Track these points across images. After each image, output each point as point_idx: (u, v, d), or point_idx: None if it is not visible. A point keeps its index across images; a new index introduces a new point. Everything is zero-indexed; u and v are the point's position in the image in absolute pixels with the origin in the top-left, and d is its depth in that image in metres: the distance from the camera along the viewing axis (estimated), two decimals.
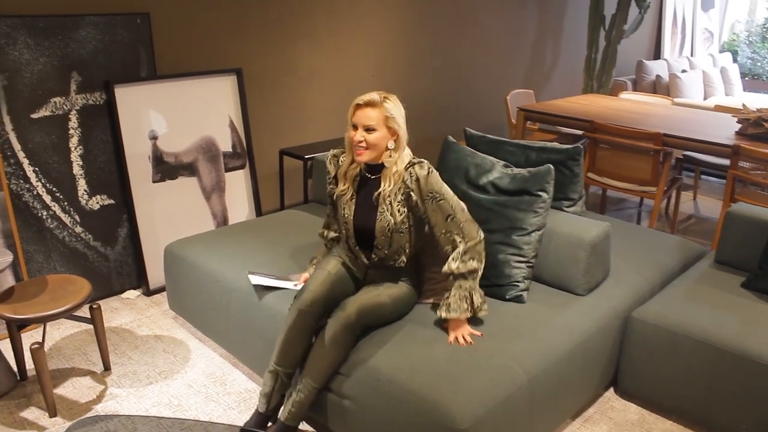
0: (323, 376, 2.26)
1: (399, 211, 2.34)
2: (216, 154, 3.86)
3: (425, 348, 2.25)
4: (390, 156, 2.34)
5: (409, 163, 2.34)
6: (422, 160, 2.36)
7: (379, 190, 2.35)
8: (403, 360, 2.19)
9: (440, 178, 2.36)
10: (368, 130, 2.29)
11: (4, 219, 3.09)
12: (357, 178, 2.44)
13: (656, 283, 2.90)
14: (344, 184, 2.44)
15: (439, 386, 2.07)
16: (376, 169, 2.39)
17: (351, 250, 2.47)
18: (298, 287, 2.63)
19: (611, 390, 2.83)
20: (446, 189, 2.36)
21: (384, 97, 2.31)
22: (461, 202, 2.41)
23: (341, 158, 2.49)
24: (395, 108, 2.31)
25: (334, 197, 2.51)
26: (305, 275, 2.66)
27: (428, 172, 2.32)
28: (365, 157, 2.33)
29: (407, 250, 2.40)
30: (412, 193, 2.32)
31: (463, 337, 2.28)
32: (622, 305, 2.70)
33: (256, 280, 2.67)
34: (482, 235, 2.37)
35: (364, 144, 2.30)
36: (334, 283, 2.39)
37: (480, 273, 2.36)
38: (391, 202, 2.34)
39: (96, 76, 3.34)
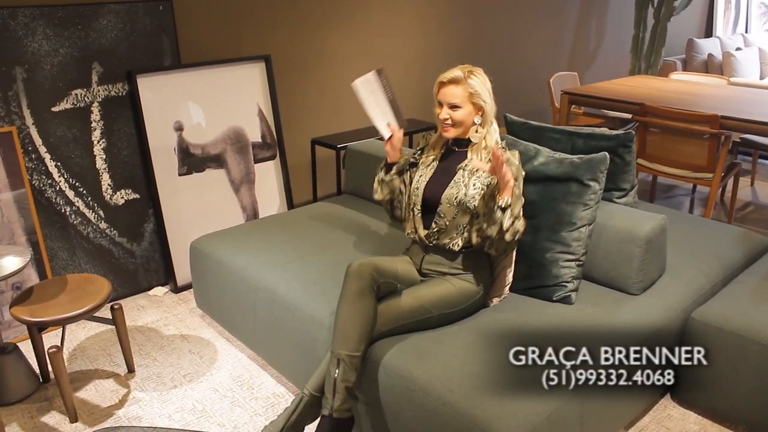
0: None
1: (474, 185, 2.24)
2: (245, 145, 3.72)
3: (465, 356, 2.06)
4: (477, 131, 2.30)
5: (501, 146, 2.29)
6: (513, 149, 2.37)
7: (465, 161, 2.30)
8: (440, 369, 2.00)
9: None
10: (453, 107, 2.26)
11: (27, 215, 2.99)
12: (443, 149, 2.41)
13: (718, 280, 2.65)
14: (430, 153, 2.42)
15: (479, 399, 1.88)
16: (462, 143, 2.35)
17: (414, 219, 2.36)
18: (386, 134, 2.41)
19: (668, 397, 2.59)
20: (521, 182, 2.26)
21: (469, 72, 2.26)
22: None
23: (432, 134, 2.49)
24: (480, 83, 2.26)
25: (417, 164, 2.43)
26: (398, 133, 2.41)
27: (519, 162, 2.30)
28: (452, 133, 2.31)
29: (465, 233, 2.25)
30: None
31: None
32: (681, 305, 2.46)
33: (361, 86, 2.39)
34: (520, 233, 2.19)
35: (449, 121, 2.28)
36: (394, 262, 2.30)
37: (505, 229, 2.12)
38: (471, 174, 2.27)
39: (118, 66, 3.21)
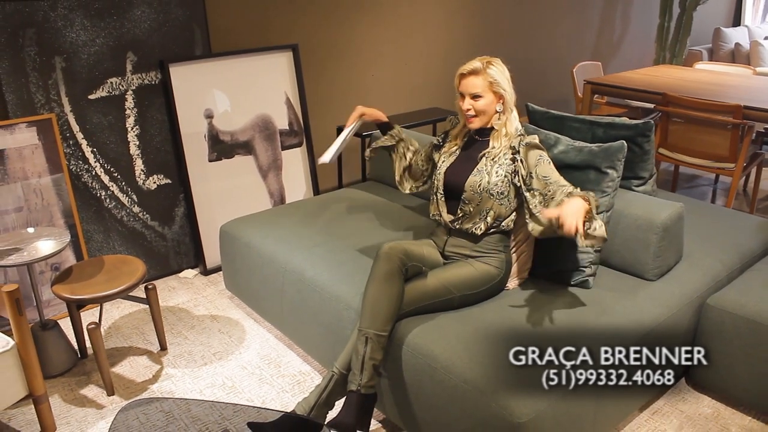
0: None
1: (497, 173, 2.33)
2: (272, 132, 3.82)
3: (485, 336, 2.14)
4: (498, 119, 2.38)
5: (520, 132, 2.39)
6: (534, 134, 2.44)
7: (487, 149, 2.38)
8: (461, 348, 2.08)
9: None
10: (475, 97, 2.34)
11: (64, 199, 3.13)
12: (465, 138, 2.50)
13: (734, 268, 2.69)
14: (453, 142, 2.52)
15: (498, 377, 1.96)
16: (485, 132, 2.43)
17: (437, 202, 2.46)
18: (353, 127, 2.75)
19: (683, 381, 2.65)
20: (546, 158, 2.31)
21: (487, 62, 2.34)
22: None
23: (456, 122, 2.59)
24: (499, 72, 2.34)
25: (440, 151, 2.55)
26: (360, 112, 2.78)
27: (539, 141, 2.37)
28: (476, 123, 2.39)
29: (488, 218, 2.33)
30: (518, 156, 2.31)
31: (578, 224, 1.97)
32: (696, 291, 2.51)
33: (328, 157, 2.67)
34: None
35: (472, 111, 2.36)
36: (420, 246, 2.38)
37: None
38: (493, 162, 2.34)
39: (151, 55, 3.32)
